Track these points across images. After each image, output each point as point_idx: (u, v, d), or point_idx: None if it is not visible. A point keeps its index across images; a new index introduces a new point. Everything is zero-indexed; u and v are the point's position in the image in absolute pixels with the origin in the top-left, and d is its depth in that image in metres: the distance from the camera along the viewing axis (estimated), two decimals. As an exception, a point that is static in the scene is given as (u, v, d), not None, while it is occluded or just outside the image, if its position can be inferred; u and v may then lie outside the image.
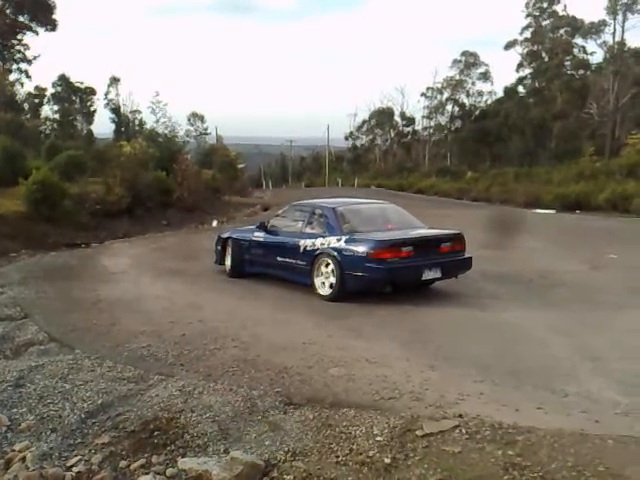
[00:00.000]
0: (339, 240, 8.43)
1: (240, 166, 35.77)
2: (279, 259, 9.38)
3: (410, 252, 8.12)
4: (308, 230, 9.11)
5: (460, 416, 4.22)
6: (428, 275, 8.27)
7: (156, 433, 4.18)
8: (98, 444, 4.08)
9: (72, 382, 5.12)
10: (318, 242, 8.70)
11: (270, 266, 9.69)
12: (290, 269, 9.20)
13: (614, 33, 46.44)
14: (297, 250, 8.96)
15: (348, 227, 8.75)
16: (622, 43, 46.38)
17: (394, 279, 8.27)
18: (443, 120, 64.03)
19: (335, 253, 8.36)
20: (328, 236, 8.64)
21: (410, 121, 66.79)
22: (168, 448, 4.00)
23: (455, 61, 61.46)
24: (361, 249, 8.14)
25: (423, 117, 64.98)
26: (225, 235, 10.66)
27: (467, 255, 8.85)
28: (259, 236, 9.87)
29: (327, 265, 8.47)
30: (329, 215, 9.03)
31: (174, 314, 7.51)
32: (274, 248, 9.54)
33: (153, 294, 8.76)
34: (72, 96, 53.61)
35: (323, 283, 8.53)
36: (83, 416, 4.45)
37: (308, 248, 8.81)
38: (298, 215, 9.66)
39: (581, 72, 52.75)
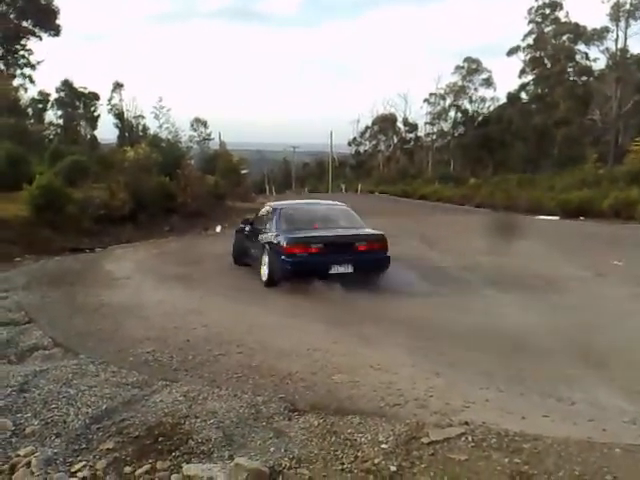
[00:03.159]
0: (273, 236, 9.87)
1: (243, 172, 35.81)
2: (252, 250, 10.94)
3: (319, 249, 9.26)
4: (266, 226, 10.50)
5: (466, 423, 4.20)
6: (337, 270, 9.16)
7: (160, 439, 4.16)
8: (102, 450, 4.06)
9: (76, 387, 5.11)
10: (264, 237, 10.20)
11: (248, 256, 11.25)
12: (254, 259, 10.68)
13: (617, 40, 46.37)
14: (258, 243, 10.42)
15: (284, 225, 10.05)
16: (625, 50, 46.34)
17: (302, 271, 9.28)
18: (446, 126, 63.91)
19: (268, 247, 9.80)
20: (270, 232, 10.10)
21: (413, 127, 66.74)
22: (173, 454, 3.98)
23: (458, 67, 61.35)
24: (281, 244, 9.44)
25: (426, 123, 64.90)
26: (240, 226, 12.27)
27: (386, 255, 9.56)
28: (246, 230, 11.49)
29: (266, 256, 9.86)
30: (275, 214, 10.43)
31: (178, 319, 7.51)
32: (249, 241, 11.15)
33: (157, 299, 8.75)
34: (76, 101, 53.69)
35: (264, 271, 9.87)
36: (87, 421, 4.43)
37: (261, 241, 10.25)
38: (266, 213, 11.03)
39: (584, 79, 52.62)
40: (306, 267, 9.24)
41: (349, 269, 9.16)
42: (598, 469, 3.57)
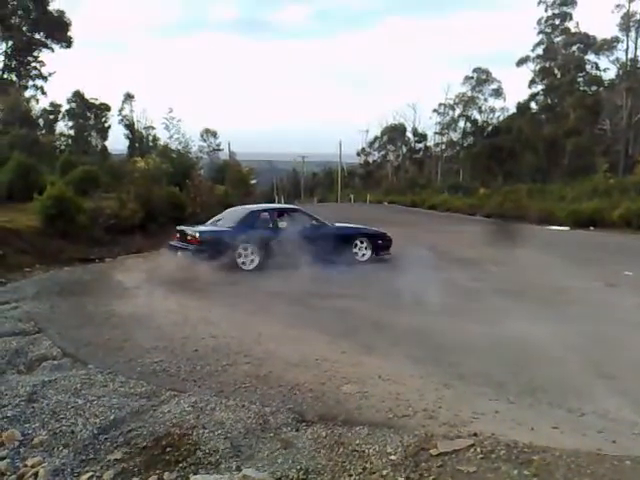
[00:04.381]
0: None
1: (252, 182, 35.88)
2: None
3: (177, 237, 13.32)
4: None
5: (475, 435, 4.17)
6: (179, 252, 12.87)
7: (168, 449, 4.16)
8: (110, 460, 4.06)
9: (85, 397, 5.11)
10: None
11: None
12: None
13: (627, 50, 46.49)
14: None
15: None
16: (635, 60, 46.36)
17: (170, 247, 13.37)
18: (455, 136, 64.03)
19: None
20: None
21: (422, 137, 66.84)
22: (180, 465, 3.97)
23: (467, 77, 61.57)
24: None
25: (435, 133, 65.12)
26: None
27: (198, 246, 12.56)
28: None
29: None
30: None
31: (187, 330, 7.51)
32: None
33: (166, 309, 8.75)
34: (87, 112, 54.17)
35: None
36: (95, 432, 4.44)
37: None
38: None
39: (594, 89, 52.57)
40: (172, 248, 13.25)
41: (181, 253, 12.83)
42: (608, 482, 3.54)
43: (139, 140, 52.21)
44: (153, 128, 50.75)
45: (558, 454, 3.86)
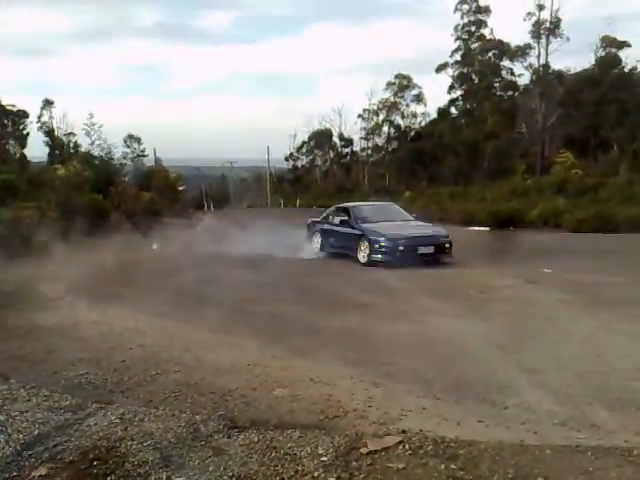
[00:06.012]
0: None
1: (180, 188, 35.42)
2: None
3: None
4: None
5: (403, 432, 4.27)
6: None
7: (95, 463, 4.05)
8: (35, 477, 3.92)
9: (7, 413, 4.92)
10: None
11: None
12: None
13: (539, 56, 48.24)
14: None
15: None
16: (547, 66, 48.25)
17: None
18: (380, 141, 64.86)
19: None
20: None
21: (348, 142, 67.36)
22: (108, 478, 3.87)
23: (389, 83, 62.46)
24: None
25: (361, 138, 65.71)
26: None
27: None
28: None
29: None
30: None
31: (113, 340, 7.33)
32: None
33: (91, 320, 8.51)
34: (4, 119, 52.10)
35: None
36: (19, 448, 4.28)
37: None
38: None
39: (510, 93, 54.40)
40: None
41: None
42: (530, 471, 3.69)
43: (59, 147, 50.67)
44: (74, 135, 49.41)
45: (483, 447, 4.00)
